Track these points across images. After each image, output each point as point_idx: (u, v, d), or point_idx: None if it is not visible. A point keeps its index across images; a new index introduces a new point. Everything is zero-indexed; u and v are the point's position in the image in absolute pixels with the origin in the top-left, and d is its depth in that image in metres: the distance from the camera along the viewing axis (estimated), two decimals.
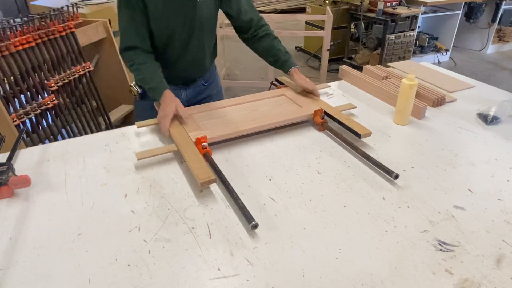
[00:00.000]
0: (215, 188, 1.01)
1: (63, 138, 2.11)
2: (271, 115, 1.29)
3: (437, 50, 4.74)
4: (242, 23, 1.45)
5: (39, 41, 1.97)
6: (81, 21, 2.34)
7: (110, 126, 2.66)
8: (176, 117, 1.25)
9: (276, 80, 1.59)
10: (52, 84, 2.05)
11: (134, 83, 1.41)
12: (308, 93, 1.44)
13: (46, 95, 2.01)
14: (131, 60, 1.30)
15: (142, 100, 1.42)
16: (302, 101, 1.38)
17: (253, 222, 0.84)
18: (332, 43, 3.87)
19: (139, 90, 1.39)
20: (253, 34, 1.47)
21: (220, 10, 1.42)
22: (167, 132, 1.20)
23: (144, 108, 1.46)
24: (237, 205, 0.91)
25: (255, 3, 7.67)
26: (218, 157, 1.15)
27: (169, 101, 1.24)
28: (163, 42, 1.35)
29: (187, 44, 1.37)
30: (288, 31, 3.92)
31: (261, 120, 1.25)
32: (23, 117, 1.88)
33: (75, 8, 2.27)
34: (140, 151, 1.13)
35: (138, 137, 1.28)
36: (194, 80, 1.52)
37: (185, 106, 1.40)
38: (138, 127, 1.29)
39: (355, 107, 1.40)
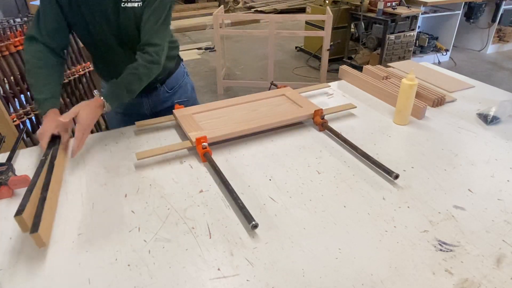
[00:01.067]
0: (215, 188, 1.01)
1: None
2: (271, 115, 1.29)
3: (437, 50, 4.74)
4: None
5: None
6: None
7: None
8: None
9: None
10: None
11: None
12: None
13: None
14: (29, 54, 1.16)
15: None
16: (302, 101, 1.37)
17: (253, 222, 0.84)
18: (332, 43, 3.87)
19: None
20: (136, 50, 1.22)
21: None
22: (44, 149, 1.08)
23: (111, 116, 1.49)
24: (237, 205, 0.91)
25: (255, 3, 7.67)
26: (218, 157, 1.15)
27: (49, 121, 1.11)
28: (90, 48, 1.29)
29: (115, 52, 1.25)
30: (288, 31, 3.92)
31: (261, 120, 1.25)
32: (23, 117, 1.88)
33: None
34: (140, 151, 1.13)
35: (138, 137, 1.28)
36: (154, 87, 1.41)
37: (149, 115, 1.43)
38: (137, 127, 1.30)
39: (355, 107, 1.40)
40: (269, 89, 1.53)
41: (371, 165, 1.08)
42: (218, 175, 1.02)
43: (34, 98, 1.16)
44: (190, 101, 1.54)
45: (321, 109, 1.30)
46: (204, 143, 1.12)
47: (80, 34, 1.26)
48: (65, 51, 1.27)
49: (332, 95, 1.58)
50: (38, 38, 1.16)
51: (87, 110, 1.09)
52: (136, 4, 1.16)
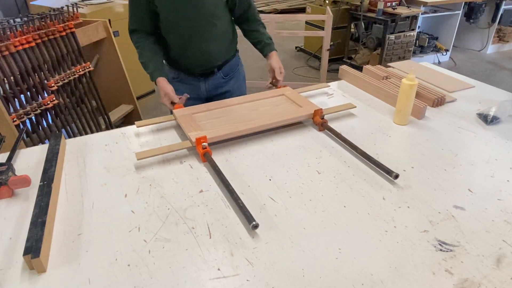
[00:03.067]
0: (215, 188, 1.01)
1: None
2: (271, 115, 1.29)
3: (437, 50, 4.73)
4: (238, 6, 1.48)
5: (39, 41, 1.97)
6: (81, 21, 2.34)
7: (110, 126, 2.66)
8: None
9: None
10: (52, 84, 2.05)
11: None
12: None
13: (46, 95, 2.02)
14: (136, 42, 1.45)
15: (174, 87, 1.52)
16: (302, 101, 1.37)
17: (254, 222, 0.84)
18: (332, 43, 3.87)
19: None
20: (243, 15, 1.53)
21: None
22: (172, 107, 1.38)
23: (179, 88, 1.54)
24: (237, 205, 0.91)
25: (255, 3, 7.69)
26: (218, 157, 1.15)
27: (161, 90, 1.40)
28: (168, 29, 1.43)
29: (192, 33, 1.41)
30: (288, 31, 3.92)
31: (261, 120, 1.25)
32: (23, 117, 1.88)
33: (75, 8, 2.27)
34: (140, 151, 1.13)
35: (138, 137, 1.28)
36: (212, 72, 1.56)
37: (205, 99, 1.62)
38: (137, 126, 1.29)
39: (355, 107, 1.40)
40: (269, 89, 1.52)
41: (371, 165, 1.08)
42: (218, 175, 1.02)
43: (148, 73, 1.44)
44: (240, 91, 1.67)
45: (321, 109, 1.29)
46: (204, 143, 1.12)
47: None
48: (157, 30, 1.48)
49: (332, 95, 1.58)
50: (139, 29, 1.44)
51: (279, 61, 1.56)
52: None
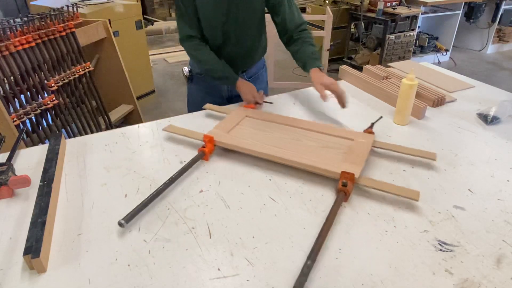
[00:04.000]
0: (215, 188, 1.01)
1: None
2: (302, 153, 1.07)
3: (437, 50, 4.74)
4: (280, 25, 1.46)
5: (39, 41, 1.97)
6: (81, 21, 2.34)
7: (110, 126, 2.66)
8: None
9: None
10: (52, 84, 2.05)
11: (187, 68, 1.60)
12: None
13: (46, 95, 2.01)
14: (194, 49, 1.43)
15: (192, 83, 1.60)
16: (357, 155, 1.06)
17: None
18: (332, 43, 3.87)
19: (187, 74, 1.59)
20: (288, 37, 1.47)
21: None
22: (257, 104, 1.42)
23: (194, 91, 1.62)
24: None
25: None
26: (219, 156, 1.15)
27: (246, 85, 1.43)
28: (206, 31, 1.42)
29: (226, 37, 1.42)
30: None
31: (286, 153, 1.07)
32: (23, 117, 1.88)
33: (75, 8, 2.27)
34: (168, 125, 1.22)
35: (138, 137, 1.28)
36: (236, 73, 1.53)
37: (226, 98, 1.62)
38: (206, 108, 1.39)
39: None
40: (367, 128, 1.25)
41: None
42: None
43: (217, 77, 1.46)
44: (264, 92, 1.64)
45: (353, 174, 0.96)
46: (204, 142, 1.13)
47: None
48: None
49: (332, 95, 1.58)
50: (193, 35, 1.41)
51: (320, 74, 1.35)
52: None
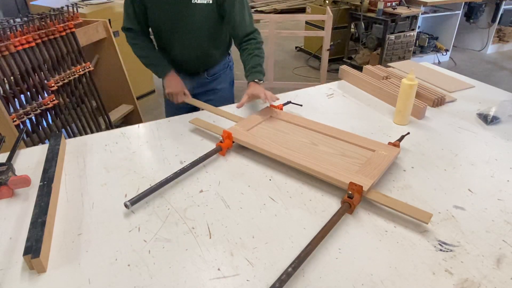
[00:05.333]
0: (215, 188, 1.01)
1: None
2: (318, 159, 1.05)
3: (437, 50, 4.73)
4: (231, 33, 1.50)
5: (39, 41, 1.97)
6: (81, 21, 2.33)
7: (110, 126, 2.65)
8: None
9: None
10: (52, 84, 2.05)
11: None
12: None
13: (46, 95, 2.01)
14: (133, 39, 1.51)
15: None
16: (374, 168, 1.00)
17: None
18: (332, 43, 3.87)
19: None
20: (238, 45, 1.49)
21: None
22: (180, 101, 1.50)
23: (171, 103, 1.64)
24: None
25: (255, 3, 7.67)
26: (222, 156, 1.15)
27: (175, 81, 1.50)
28: (156, 32, 1.49)
29: (178, 39, 1.47)
30: (288, 31, 3.92)
31: (301, 157, 1.05)
32: (23, 117, 1.88)
33: (75, 8, 2.27)
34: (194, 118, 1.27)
35: (138, 137, 1.28)
36: (197, 73, 1.61)
37: (192, 95, 1.58)
38: (190, 122, 1.34)
39: (427, 222, 0.87)
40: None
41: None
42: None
43: (151, 67, 1.54)
44: (224, 92, 1.68)
45: (361, 186, 0.92)
46: (221, 138, 1.16)
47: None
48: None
49: (332, 95, 1.58)
50: (134, 28, 1.48)
51: (259, 88, 1.34)
52: (205, 1, 1.38)
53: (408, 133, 1.20)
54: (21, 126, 1.86)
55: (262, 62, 1.43)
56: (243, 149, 1.18)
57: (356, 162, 1.05)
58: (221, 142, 1.15)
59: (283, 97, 1.56)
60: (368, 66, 1.72)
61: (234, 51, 1.66)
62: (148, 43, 1.53)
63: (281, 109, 1.37)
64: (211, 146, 1.20)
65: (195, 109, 1.52)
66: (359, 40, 4.61)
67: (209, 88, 1.65)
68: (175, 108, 1.63)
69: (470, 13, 4.59)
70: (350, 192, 0.91)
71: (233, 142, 1.18)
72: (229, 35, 1.58)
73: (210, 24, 1.44)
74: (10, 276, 0.76)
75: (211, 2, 1.37)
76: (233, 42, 1.56)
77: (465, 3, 4.43)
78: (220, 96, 1.66)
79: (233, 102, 1.67)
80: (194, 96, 1.61)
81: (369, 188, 0.93)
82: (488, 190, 0.99)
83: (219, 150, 1.14)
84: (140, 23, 1.47)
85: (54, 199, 0.94)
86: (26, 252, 0.76)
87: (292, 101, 1.46)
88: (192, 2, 1.36)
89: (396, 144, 1.12)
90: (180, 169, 1.03)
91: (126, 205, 0.91)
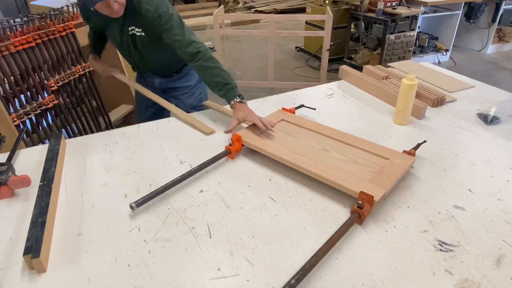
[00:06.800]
0: (215, 188, 1.01)
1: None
2: (328, 166, 1.03)
3: (437, 50, 4.73)
4: (177, 51, 1.38)
5: (39, 41, 1.97)
6: (81, 21, 2.33)
7: (110, 126, 2.65)
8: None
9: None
10: (52, 84, 2.05)
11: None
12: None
13: (46, 95, 2.01)
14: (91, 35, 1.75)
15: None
16: (386, 178, 0.97)
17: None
18: (332, 43, 3.87)
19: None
20: (190, 63, 1.37)
21: None
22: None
23: (137, 81, 1.76)
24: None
25: (255, 3, 7.66)
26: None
27: (95, 63, 1.79)
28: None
29: (136, 59, 1.56)
30: (288, 31, 3.92)
31: (311, 164, 1.03)
32: (23, 117, 1.87)
33: (75, 8, 2.27)
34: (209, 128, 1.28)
35: (138, 137, 1.28)
36: (165, 75, 1.68)
37: (158, 90, 1.67)
38: (205, 105, 1.51)
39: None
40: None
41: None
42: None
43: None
44: (193, 90, 1.70)
45: (372, 196, 0.89)
46: (231, 141, 1.15)
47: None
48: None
49: (332, 95, 1.58)
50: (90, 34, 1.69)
51: (251, 114, 1.24)
52: (141, 33, 1.42)
53: (425, 141, 1.15)
54: (21, 126, 1.86)
55: (229, 76, 1.31)
56: (248, 151, 1.18)
57: (369, 170, 1.02)
58: (230, 145, 1.14)
59: (283, 97, 1.56)
60: (368, 66, 1.72)
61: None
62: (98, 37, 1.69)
63: (294, 112, 1.36)
64: (212, 146, 1.20)
65: (163, 109, 1.56)
66: (359, 40, 4.61)
67: (178, 85, 1.69)
68: (144, 108, 1.77)
69: (470, 13, 4.59)
70: (360, 202, 0.88)
71: (243, 145, 1.16)
72: None
73: (157, 48, 1.46)
74: (10, 276, 0.76)
75: (143, 34, 1.41)
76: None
77: (465, 3, 4.43)
78: (187, 92, 1.69)
79: (207, 99, 1.69)
80: (165, 90, 1.69)
81: (379, 199, 0.90)
82: (488, 190, 0.99)
83: (228, 153, 1.13)
84: (98, 34, 1.67)
85: (54, 199, 0.94)
86: (26, 252, 0.76)
87: (305, 105, 1.42)
88: (130, 33, 1.42)
89: (411, 153, 1.08)
90: (187, 172, 1.03)
91: (131, 207, 0.90)
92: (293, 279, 0.70)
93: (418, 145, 1.13)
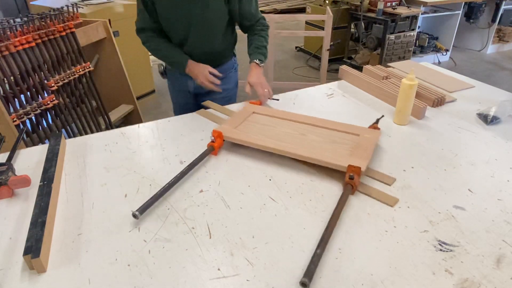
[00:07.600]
0: (215, 188, 1.01)
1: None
2: (309, 147, 1.10)
3: (437, 50, 4.74)
4: (240, 21, 1.54)
5: (39, 41, 1.97)
6: (81, 21, 2.33)
7: (110, 126, 2.65)
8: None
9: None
10: (52, 84, 2.05)
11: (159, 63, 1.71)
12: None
13: (46, 95, 2.01)
14: (146, 40, 1.53)
15: (168, 79, 1.71)
16: (364, 150, 1.07)
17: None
18: (332, 43, 3.87)
19: (161, 70, 1.71)
20: (246, 29, 1.58)
21: None
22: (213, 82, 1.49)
23: (170, 86, 1.74)
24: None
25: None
26: (222, 156, 1.15)
27: (197, 66, 1.49)
28: (166, 28, 1.49)
29: (187, 36, 1.47)
30: (288, 31, 3.92)
31: (294, 147, 1.09)
32: (23, 117, 1.88)
33: (75, 8, 2.27)
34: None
35: (138, 137, 1.28)
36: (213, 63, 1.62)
37: (191, 94, 1.67)
38: (202, 103, 1.48)
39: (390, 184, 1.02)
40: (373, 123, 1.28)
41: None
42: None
43: (170, 63, 1.61)
44: (229, 93, 1.69)
45: (359, 167, 0.98)
46: (213, 137, 1.16)
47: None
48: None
49: (332, 95, 1.58)
50: (147, 27, 1.50)
51: (260, 79, 1.46)
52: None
53: (383, 115, 1.30)
54: (21, 126, 1.86)
55: (267, 45, 1.53)
56: (242, 148, 1.18)
57: (346, 147, 1.12)
58: (212, 142, 1.16)
59: (283, 97, 1.56)
60: (368, 66, 1.72)
61: (238, 52, 1.67)
62: (162, 39, 1.53)
63: (260, 104, 1.42)
64: None
65: (200, 107, 1.52)
66: (359, 40, 4.61)
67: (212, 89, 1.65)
68: (180, 107, 1.74)
69: (470, 13, 4.59)
70: (351, 174, 0.97)
71: (224, 140, 1.18)
72: (235, 33, 1.61)
73: (219, 19, 1.45)
74: (10, 276, 0.76)
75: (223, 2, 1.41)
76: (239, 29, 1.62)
77: (465, 3, 4.43)
78: (224, 96, 1.65)
79: (235, 102, 1.66)
80: (197, 95, 1.66)
81: (365, 169, 1.00)
82: (488, 190, 0.99)
83: (212, 150, 1.14)
84: (153, 22, 1.47)
85: (54, 199, 0.94)
86: (26, 252, 0.76)
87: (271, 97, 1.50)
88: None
89: (376, 127, 1.23)
90: (179, 173, 1.03)
91: (135, 216, 0.88)
92: (318, 249, 0.77)
93: (377, 120, 1.28)
